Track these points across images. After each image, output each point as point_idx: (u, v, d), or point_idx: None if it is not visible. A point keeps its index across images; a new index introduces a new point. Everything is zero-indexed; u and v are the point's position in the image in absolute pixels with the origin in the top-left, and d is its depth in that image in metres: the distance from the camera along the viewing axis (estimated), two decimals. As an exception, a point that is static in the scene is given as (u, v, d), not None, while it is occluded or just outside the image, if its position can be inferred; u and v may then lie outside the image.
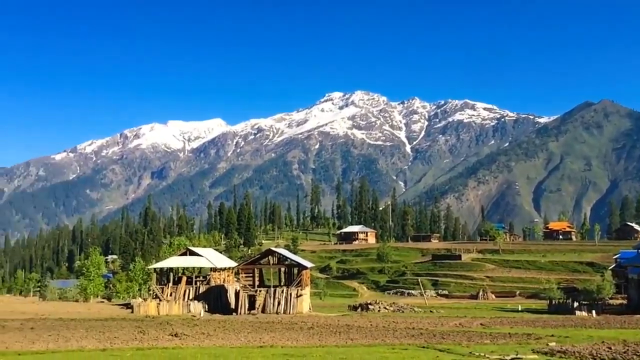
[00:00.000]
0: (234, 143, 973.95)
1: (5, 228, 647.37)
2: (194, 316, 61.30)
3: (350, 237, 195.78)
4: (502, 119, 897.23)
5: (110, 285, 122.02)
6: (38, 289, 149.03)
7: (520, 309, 76.53)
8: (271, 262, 71.36)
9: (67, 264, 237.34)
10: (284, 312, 64.89)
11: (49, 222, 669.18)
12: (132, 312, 66.12)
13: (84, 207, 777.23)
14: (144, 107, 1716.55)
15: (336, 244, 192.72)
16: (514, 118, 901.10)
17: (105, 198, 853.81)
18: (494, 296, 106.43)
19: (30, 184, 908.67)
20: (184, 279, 75.48)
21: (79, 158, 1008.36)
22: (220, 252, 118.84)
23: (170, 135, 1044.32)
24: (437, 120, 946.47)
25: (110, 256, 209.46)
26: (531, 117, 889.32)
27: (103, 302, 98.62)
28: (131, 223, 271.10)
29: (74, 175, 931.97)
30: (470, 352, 25.75)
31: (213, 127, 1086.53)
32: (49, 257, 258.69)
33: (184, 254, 79.61)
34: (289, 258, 72.95)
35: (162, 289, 72.83)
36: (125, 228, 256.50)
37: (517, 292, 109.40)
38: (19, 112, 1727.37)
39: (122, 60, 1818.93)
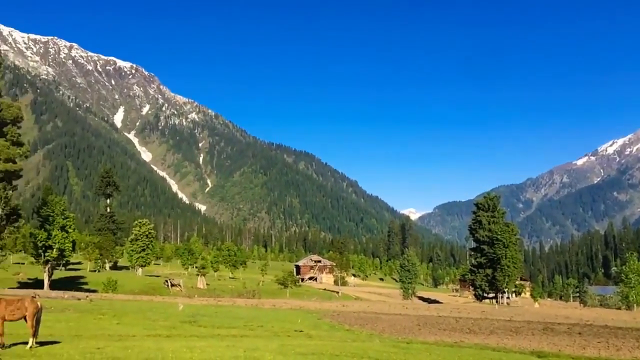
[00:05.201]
0: None
1: (538, 235, 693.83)
2: None
3: None
4: None
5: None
6: (577, 294, 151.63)
7: None
8: None
9: (602, 270, 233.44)
10: None
11: (578, 227, 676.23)
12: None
13: (612, 210, 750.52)
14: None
15: None
16: None
17: (635, 199, 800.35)
18: None
19: (556, 191, 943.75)
20: None
21: (601, 160, 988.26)
22: None
23: None
24: None
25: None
26: None
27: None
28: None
29: (598, 179, 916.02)
30: None
31: None
32: (583, 263, 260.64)
33: None
34: None
35: None
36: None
37: None
38: (543, 123, 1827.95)
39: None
